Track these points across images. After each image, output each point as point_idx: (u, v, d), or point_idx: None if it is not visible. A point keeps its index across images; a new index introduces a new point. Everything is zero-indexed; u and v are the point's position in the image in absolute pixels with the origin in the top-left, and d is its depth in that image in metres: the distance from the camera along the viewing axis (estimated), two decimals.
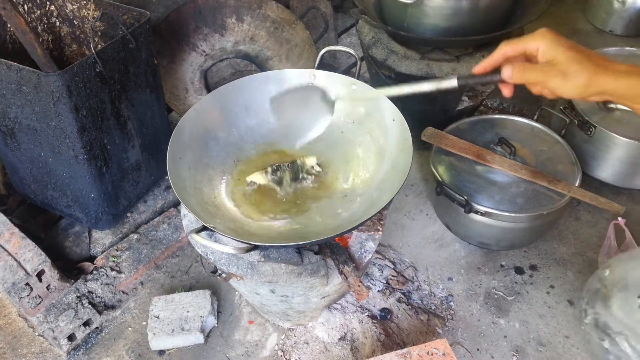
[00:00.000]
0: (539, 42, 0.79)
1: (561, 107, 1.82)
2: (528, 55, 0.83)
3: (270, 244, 1.12)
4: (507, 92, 0.88)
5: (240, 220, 1.17)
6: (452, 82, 0.90)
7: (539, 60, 0.81)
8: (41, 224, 1.73)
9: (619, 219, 1.59)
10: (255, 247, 1.03)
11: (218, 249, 0.99)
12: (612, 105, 1.77)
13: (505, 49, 0.84)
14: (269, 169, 1.24)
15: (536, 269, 1.66)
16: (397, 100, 1.24)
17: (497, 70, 0.85)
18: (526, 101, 2.20)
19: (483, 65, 0.87)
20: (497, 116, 1.81)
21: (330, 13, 2.28)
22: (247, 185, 1.25)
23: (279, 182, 1.24)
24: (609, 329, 1.23)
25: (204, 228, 1.05)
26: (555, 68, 0.78)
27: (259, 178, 1.24)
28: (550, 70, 0.79)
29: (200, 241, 1.00)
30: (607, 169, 1.80)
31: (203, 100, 1.27)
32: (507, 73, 0.82)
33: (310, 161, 1.27)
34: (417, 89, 0.97)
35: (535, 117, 1.80)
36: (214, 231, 1.03)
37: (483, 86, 2.06)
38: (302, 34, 2.10)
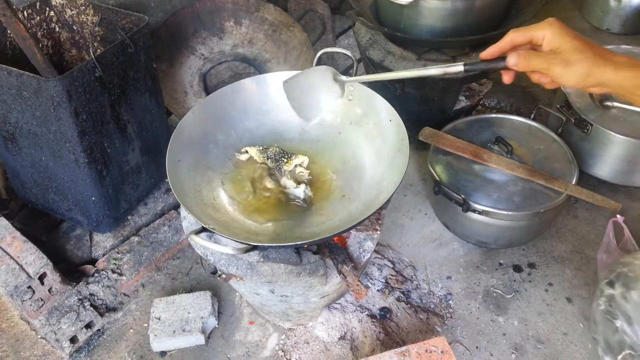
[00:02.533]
0: (545, 31, 0.82)
1: (558, 106, 1.83)
2: (534, 44, 0.86)
3: (269, 244, 1.13)
4: (507, 79, 0.90)
5: (239, 221, 1.18)
6: (458, 68, 0.93)
7: (544, 49, 0.83)
8: (43, 228, 1.74)
9: (618, 216, 1.59)
10: (254, 248, 1.04)
11: (217, 250, 1.01)
12: (609, 103, 1.78)
13: (513, 36, 0.86)
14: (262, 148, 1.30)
15: (534, 267, 1.67)
16: (394, 101, 1.25)
17: (502, 57, 0.88)
18: (523, 100, 2.21)
19: (490, 51, 0.89)
20: (494, 115, 1.82)
21: (327, 15, 2.30)
22: (241, 153, 1.30)
23: (271, 159, 1.28)
24: (626, 310, 1.25)
25: (204, 229, 1.06)
26: (558, 56, 0.81)
27: (253, 152, 1.29)
28: (554, 59, 0.81)
29: (199, 242, 1.02)
30: (604, 167, 1.81)
31: (201, 103, 1.29)
32: (512, 60, 0.85)
33: (301, 159, 1.28)
34: (425, 73, 1.01)
35: (532, 115, 1.81)
36: (213, 232, 1.04)
37: (480, 86, 2.07)
38: (300, 36, 2.11)
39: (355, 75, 1.36)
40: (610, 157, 1.77)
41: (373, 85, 1.94)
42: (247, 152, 1.30)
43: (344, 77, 1.20)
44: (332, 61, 2.39)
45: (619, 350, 1.26)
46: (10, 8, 1.19)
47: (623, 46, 2.01)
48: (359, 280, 1.17)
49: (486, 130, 1.75)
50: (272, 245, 1.14)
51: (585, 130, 1.74)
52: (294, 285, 1.20)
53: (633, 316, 1.24)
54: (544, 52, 0.83)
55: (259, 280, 1.16)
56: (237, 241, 1.04)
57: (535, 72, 0.86)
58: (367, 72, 2.01)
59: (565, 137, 1.75)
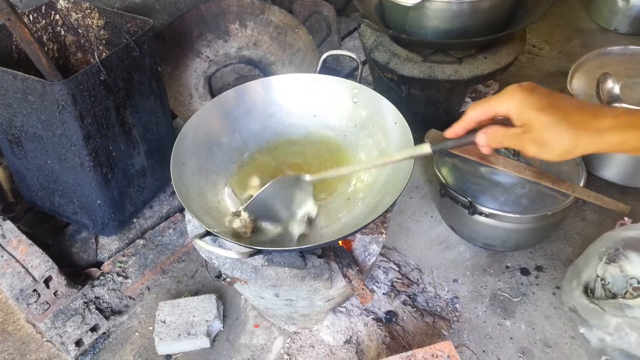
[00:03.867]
0: (508, 105, 0.72)
1: None
2: (501, 117, 0.75)
3: (274, 249, 1.12)
4: (486, 151, 0.79)
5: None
6: (425, 150, 0.87)
7: (514, 123, 0.73)
8: (49, 231, 1.75)
9: (625, 218, 1.58)
10: (259, 252, 1.03)
11: (221, 254, 1.00)
12: (617, 104, 1.76)
13: (475, 114, 0.76)
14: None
15: (542, 270, 1.66)
16: (399, 102, 1.24)
17: (473, 130, 0.79)
18: None
19: (454, 130, 0.80)
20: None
21: (332, 17, 2.29)
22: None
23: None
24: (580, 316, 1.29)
25: (208, 233, 1.06)
26: (529, 136, 0.70)
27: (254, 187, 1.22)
28: (525, 139, 0.71)
29: (203, 246, 1.01)
30: (612, 168, 1.79)
31: (206, 107, 1.28)
32: (481, 141, 0.76)
33: (310, 208, 1.16)
34: (389, 160, 0.97)
35: None
36: (217, 236, 1.04)
37: (486, 87, 2.06)
38: (305, 38, 2.11)
39: (360, 78, 1.36)
40: (618, 159, 1.76)
41: (378, 88, 1.93)
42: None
43: (307, 177, 1.10)
44: (337, 63, 2.38)
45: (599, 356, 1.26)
46: (15, 12, 1.20)
47: (631, 47, 1.99)
48: (365, 285, 1.16)
49: None
50: (277, 250, 1.14)
51: None
52: (298, 289, 1.19)
53: (588, 319, 1.24)
54: (513, 130, 0.72)
55: (264, 284, 1.16)
56: (241, 245, 1.03)
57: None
58: (373, 74, 2.00)
59: None
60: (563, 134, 0.68)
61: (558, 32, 2.76)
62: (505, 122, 0.74)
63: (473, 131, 0.79)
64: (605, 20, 2.76)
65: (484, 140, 0.76)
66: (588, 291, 1.33)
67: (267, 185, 1.08)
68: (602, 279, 1.35)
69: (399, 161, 0.97)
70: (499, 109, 0.73)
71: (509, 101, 0.72)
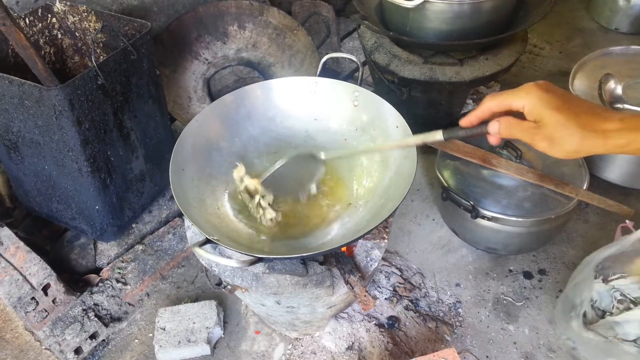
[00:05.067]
0: (524, 100, 0.75)
1: None
2: (514, 111, 0.79)
3: (274, 256, 1.11)
4: (494, 141, 0.84)
5: (243, 232, 1.16)
6: (437, 137, 0.89)
7: (526, 118, 0.77)
8: (47, 237, 1.73)
9: (627, 221, 1.56)
10: (260, 260, 1.02)
11: (222, 262, 0.99)
12: (619, 105, 1.74)
13: (491, 105, 0.80)
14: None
15: (545, 274, 1.64)
16: (400, 105, 1.23)
17: (484, 122, 0.82)
18: None
19: (469, 119, 0.84)
20: None
21: (332, 18, 2.28)
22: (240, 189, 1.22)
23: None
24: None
25: (208, 241, 1.04)
26: (541, 132, 0.74)
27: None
28: (537, 134, 0.75)
29: (203, 255, 1.00)
30: (615, 170, 1.78)
31: (205, 111, 1.27)
32: (494, 129, 0.79)
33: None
34: (403, 144, 1.00)
35: None
36: (217, 244, 1.02)
37: (488, 89, 2.04)
38: (304, 39, 2.09)
39: (360, 80, 1.35)
40: (621, 160, 1.74)
41: (379, 90, 1.92)
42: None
43: (322, 155, 1.12)
44: (337, 65, 2.36)
45: None
46: (10, 17, 1.18)
47: (632, 47, 1.97)
48: (367, 291, 1.15)
49: None
50: (278, 257, 1.12)
51: None
52: (300, 296, 1.17)
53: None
54: (526, 123, 0.76)
55: (265, 292, 1.14)
56: (242, 253, 1.02)
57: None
58: (373, 76, 1.98)
59: None
60: (573, 134, 0.71)
61: (558, 32, 2.75)
62: (517, 116, 0.78)
63: (485, 123, 0.82)
64: (605, 19, 2.74)
65: (497, 128, 0.79)
66: (584, 319, 1.33)
67: (286, 160, 1.13)
68: (590, 300, 1.35)
69: (411, 145, 1.01)
70: (515, 103, 0.77)
71: (526, 97, 0.75)
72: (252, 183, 1.19)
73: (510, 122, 0.77)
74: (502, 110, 0.79)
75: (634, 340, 1.31)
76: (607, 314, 1.36)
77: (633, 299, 1.36)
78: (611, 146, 0.71)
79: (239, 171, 1.21)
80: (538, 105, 0.74)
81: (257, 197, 1.18)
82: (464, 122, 0.85)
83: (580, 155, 0.73)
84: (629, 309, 1.35)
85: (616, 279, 1.37)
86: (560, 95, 0.74)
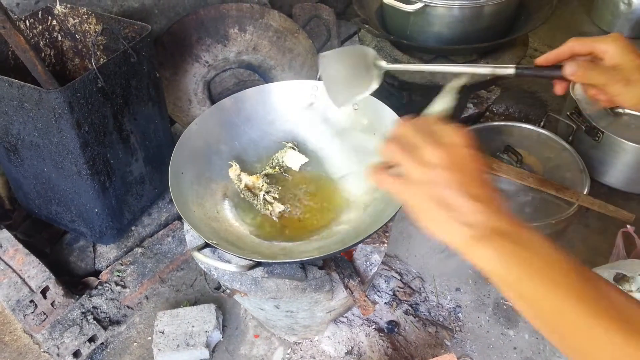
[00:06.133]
0: (609, 45, 0.77)
1: (568, 113, 1.80)
2: (595, 56, 0.80)
3: (274, 261, 1.10)
4: (560, 89, 0.85)
5: (242, 236, 1.16)
6: (509, 70, 0.87)
7: (605, 64, 0.78)
8: (46, 239, 1.72)
9: (628, 226, 1.56)
10: (259, 264, 1.01)
11: (221, 267, 0.98)
12: (620, 110, 1.75)
13: (574, 44, 0.80)
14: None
15: None
16: (400, 109, 1.22)
17: (557, 66, 0.82)
18: (532, 106, 2.18)
19: (546, 57, 0.83)
20: (502, 123, 1.79)
21: (332, 21, 2.28)
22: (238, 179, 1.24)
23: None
24: None
25: (207, 245, 1.04)
26: (620, 73, 0.76)
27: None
28: (615, 75, 0.76)
29: (202, 259, 0.99)
30: (616, 175, 1.77)
31: (204, 114, 1.26)
32: (570, 69, 0.79)
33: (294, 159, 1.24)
34: (474, 70, 0.94)
35: (542, 123, 1.78)
36: (216, 248, 1.02)
37: (488, 93, 2.04)
38: (305, 42, 2.09)
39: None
40: (622, 165, 1.74)
41: (379, 94, 1.91)
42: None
43: (383, 63, 1.04)
44: None
45: None
46: (10, 20, 1.17)
47: None
48: (366, 296, 1.14)
49: (495, 138, 1.72)
50: (277, 262, 1.12)
51: (597, 138, 1.71)
52: (299, 301, 1.17)
53: None
54: (604, 67, 0.77)
55: (264, 296, 1.14)
56: (241, 257, 1.01)
57: (591, 87, 0.80)
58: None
59: (575, 145, 1.72)
60: None
61: (559, 36, 2.74)
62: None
63: (558, 67, 0.81)
64: (607, 23, 2.74)
65: (574, 68, 0.79)
66: None
67: (349, 47, 1.10)
68: None
69: (479, 74, 0.98)
70: (599, 47, 0.78)
71: (612, 42, 0.77)
72: (250, 179, 1.20)
73: (588, 63, 0.78)
74: (584, 51, 0.80)
75: None
76: None
77: None
78: None
79: (234, 170, 1.22)
80: (623, 50, 0.76)
81: (261, 194, 1.19)
82: (540, 60, 0.84)
83: None
84: None
85: None
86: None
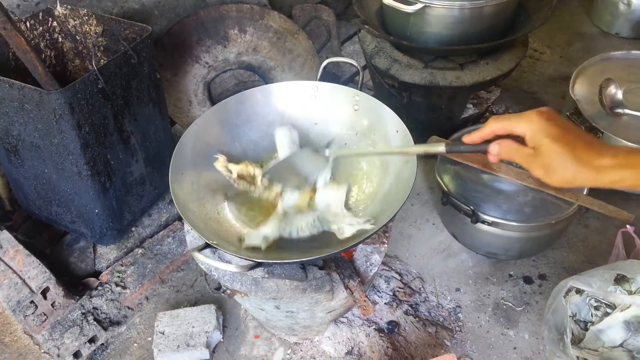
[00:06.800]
0: (524, 128, 0.78)
1: (568, 114, 1.80)
2: (515, 136, 0.82)
3: (274, 261, 1.10)
4: (494, 161, 0.87)
5: (243, 236, 1.16)
6: (440, 149, 0.92)
7: (527, 144, 0.80)
8: (46, 240, 1.73)
9: (628, 226, 1.56)
10: (259, 264, 1.02)
11: (221, 267, 0.98)
12: (619, 110, 1.75)
13: (494, 127, 0.83)
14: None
15: (545, 279, 1.64)
16: (400, 109, 1.22)
17: (486, 141, 0.86)
18: (531, 107, 2.17)
19: (472, 137, 0.87)
20: None
21: (332, 22, 2.28)
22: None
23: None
24: None
25: (207, 245, 1.04)
26: (538, 159, 0.78)
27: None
28: (534, 161, 0.78)
29: (203, 260, 0.99)
30: None
31: (205, 115, 1.26)
32: (494, 150, 0.83)
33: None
34: (405, 151, 1.07)
35: None
36: (217, 248, 1.02)
37: (488, 93, 2.04)
38: (305, 43, 2.09)
39: (361, 85, 1.35)
40: None
41: (379, 94, 1.92)
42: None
43: (327, 154, 1.19)
44: (338, 68, 2.37)
45: None
46: (11, 21, 1.18)
47: (633, 52, 1.98)
48: (366, 296, 1.14)
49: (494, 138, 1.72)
50: (277, 262, 1.12)
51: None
52: (299, 301, 1.17)
53: None
54: (526, 149, 0.79)
55: (264, 297, 1.14)
56: (241, 258, 1.02)
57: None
58: (373, 80, 1.98)
59: None
60: (568, 167, 0.75)
61: (559, 36, 2.75)
62: (518, 140, 0.81)
63: (487, 142, 0.85)
64: (606, 24, 2.74)
65: (497, 150, 0.82)
66: (572, 337, 1.33)
67: (291, 154, 1.22)
68: (570, 315, 1.36)
69: (413, 154, 1.07)
70: (517, 129, 0.80)
71: (528, 124, 0.78)
72: (239, 168, 1.21)
73: (510, 146, 0.81)
74: (503, 133, 0.82)
75: (621, 345, 1.32)
76: (589, 324, 1.37)
77: (607, 303, 1.38)
78: (604, 182, 0.75)
79: (220, 161, 1.21)
80: (538, 134, 0.77)
81: (259, 177, 1.21)
82: (467, 139, 0.88)
83: (574, 185, 0.78)
84: (606, 314, 1.37)
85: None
86: (560, 125, 0.77)
